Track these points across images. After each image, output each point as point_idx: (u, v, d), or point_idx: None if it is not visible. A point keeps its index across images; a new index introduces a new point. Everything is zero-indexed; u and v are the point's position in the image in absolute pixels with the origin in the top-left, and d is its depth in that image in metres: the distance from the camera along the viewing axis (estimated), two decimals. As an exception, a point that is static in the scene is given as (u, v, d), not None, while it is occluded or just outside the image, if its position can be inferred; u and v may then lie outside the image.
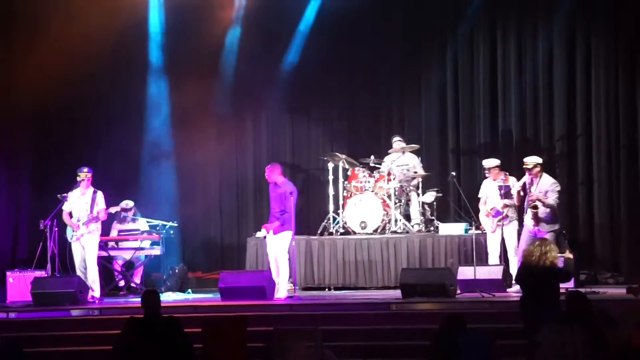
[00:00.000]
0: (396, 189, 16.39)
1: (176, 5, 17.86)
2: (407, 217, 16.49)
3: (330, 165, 16.77)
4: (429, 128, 17.87)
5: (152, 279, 16.67)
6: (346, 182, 16.64)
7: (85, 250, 14.98)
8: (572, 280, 12.83)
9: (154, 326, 9.54)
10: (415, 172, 16.59)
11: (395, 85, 18.10)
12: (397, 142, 16.75)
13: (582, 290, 11.47)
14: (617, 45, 16.76)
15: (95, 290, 14.89)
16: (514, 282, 14.09)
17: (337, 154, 16.73)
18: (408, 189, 16.53)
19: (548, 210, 14.17)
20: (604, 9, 16.82)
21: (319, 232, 16.61)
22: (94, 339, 12.63)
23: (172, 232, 16.29)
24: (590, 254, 16.44)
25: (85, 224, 14.96)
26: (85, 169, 15.22)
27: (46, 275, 15.27)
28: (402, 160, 16.65)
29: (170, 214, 16.97)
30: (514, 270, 13.99)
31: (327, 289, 16.09)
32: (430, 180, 16.90)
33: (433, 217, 16.54)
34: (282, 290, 14.54)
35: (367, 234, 16.16)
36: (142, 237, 16.39)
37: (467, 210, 15.40)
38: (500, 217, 14.61)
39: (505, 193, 14.64)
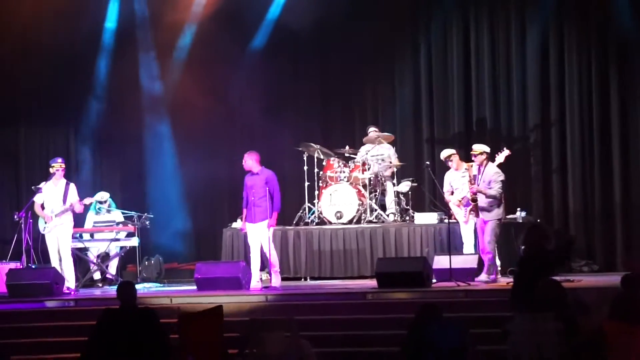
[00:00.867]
0: (371, 178, 16.43)
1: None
2: (383, 207, 16.52)
3: (305, 156, 16.78)
4: (403, 118, 17.91)
5: (127, 270, 16.66)
6: (321, 172, 16.66)
7: (59, 241, 14.94)
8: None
9: (130, 317, 9.53)
10: (390, 162, 16.62)
11: (369, 75, 18.12)
12: (372, 133, 16.77)
13: (557, 278, 11.52)
14: (589, 34, 16.82)
15: (70, 282, 14.86)
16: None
17: (311, 144, 16.73)
18: (383, 179, 16.56)
19: (491, 200, 14.16)
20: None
21: (294, 222, 16.62)
22: (70, 330, 12.63)
23: (147, 223, 16.27)
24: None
25: (57, 216, 14.90)
26: (59, 160, 15.16)
27: (21, 267, 15.23)
28: (377, 151, 16.68)
29: (142, 204, 17.02)
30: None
31: (303, 279, 16.11)
32: (405, 170, 16.94)
33: (408, 207, 16.58)
34: (277, 278, 14.52)
35: (342, 224, 16.18)
36: (117, 229, 16.34)
37: (442, 200, 15.45)
38: (471, 207, 14.57)
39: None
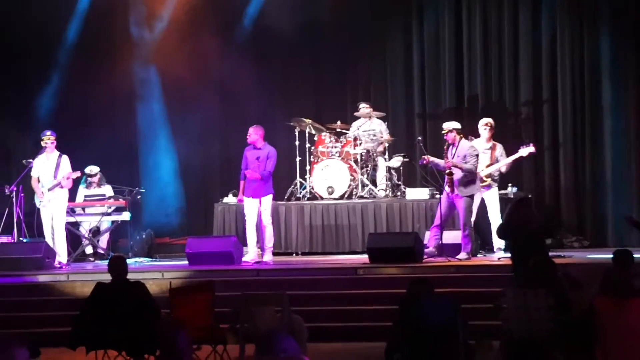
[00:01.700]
0: (363, 154, 16.42)
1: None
2: (374, 182, 16.52)
3: (297, 131, 16.75)
4: (395, 93, 17.89)
5: (119, 245, 16.63)
6: (313, 147, 16.64)
7: (53, 215, 14.90)
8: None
9: (121, 291, 9.55)
10: (382, 137, 16.60)
11: (361, 50, 18.07)
12: (364, 108, 16.74)
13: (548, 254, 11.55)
14: (581, 10, 16.81)
15: (62, 256, 14.83)
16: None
17: (303, 119, 16.69)
18: (375, 154, 16.55)
19: (467, 174, 14.17)
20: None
21: (286, 197, 16.61)
22: (61, 305, 12.65)
23: (138, 197, 16.23)
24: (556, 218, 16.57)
25: (50, 190, 14.84)
26: (48, 133, 15.02)
27: (12, 241, 15.20)
28: (369, 126, 16.65)
29: (135, 180, 16.98)
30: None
31: (294, 254, 16.12)
32: (397, 145, 16.93)
33: (400, 182, 16.57)
34: (269, 255, 14.49)
35: (334, 199, 16.18)
36: (109, 203, 16.29)
37: (434, 175, 15.44)
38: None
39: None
